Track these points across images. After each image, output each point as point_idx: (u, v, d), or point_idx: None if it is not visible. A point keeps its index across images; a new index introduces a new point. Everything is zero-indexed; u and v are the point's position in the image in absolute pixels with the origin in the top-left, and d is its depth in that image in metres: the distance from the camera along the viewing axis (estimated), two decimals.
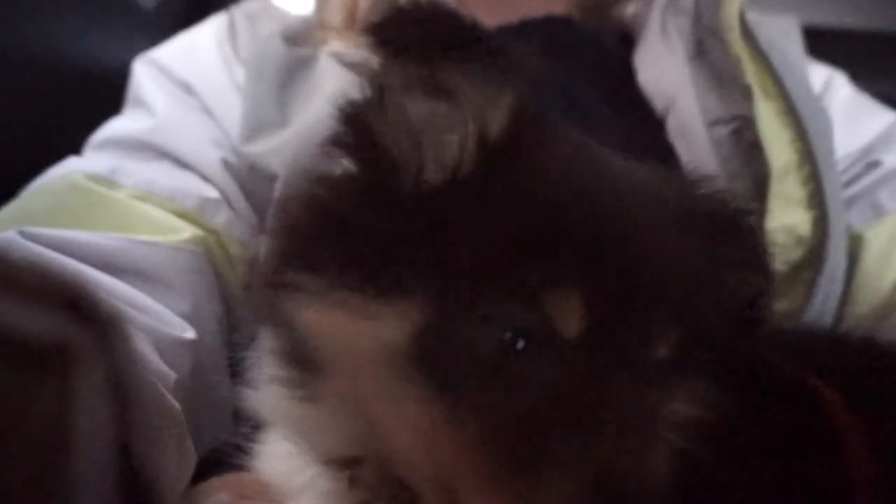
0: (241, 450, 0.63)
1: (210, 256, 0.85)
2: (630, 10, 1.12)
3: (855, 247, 1.00)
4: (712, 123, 0.94)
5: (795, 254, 0.91)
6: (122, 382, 0.37)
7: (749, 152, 0.92)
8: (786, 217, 0.92)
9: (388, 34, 0.51)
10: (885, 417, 0.57)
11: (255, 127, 0.92)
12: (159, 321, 0.73)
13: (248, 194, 0.92)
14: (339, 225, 0.52)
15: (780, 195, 0.91)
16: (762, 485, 0.53)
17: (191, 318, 0.77)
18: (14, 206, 0.82)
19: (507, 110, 0.52)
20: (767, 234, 0.91)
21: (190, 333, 0.75)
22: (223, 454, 0.66)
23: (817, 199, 0.92)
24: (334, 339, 0.51)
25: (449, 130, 0.52)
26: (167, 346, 0.71)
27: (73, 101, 1.13)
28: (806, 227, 0.91)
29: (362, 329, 0.49)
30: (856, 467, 0.53)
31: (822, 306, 0.93)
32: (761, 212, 0.92)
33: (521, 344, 0.48)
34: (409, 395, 0.49)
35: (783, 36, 1.07)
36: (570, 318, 0.48)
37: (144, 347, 0.66)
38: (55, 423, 0.35)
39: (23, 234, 0.71)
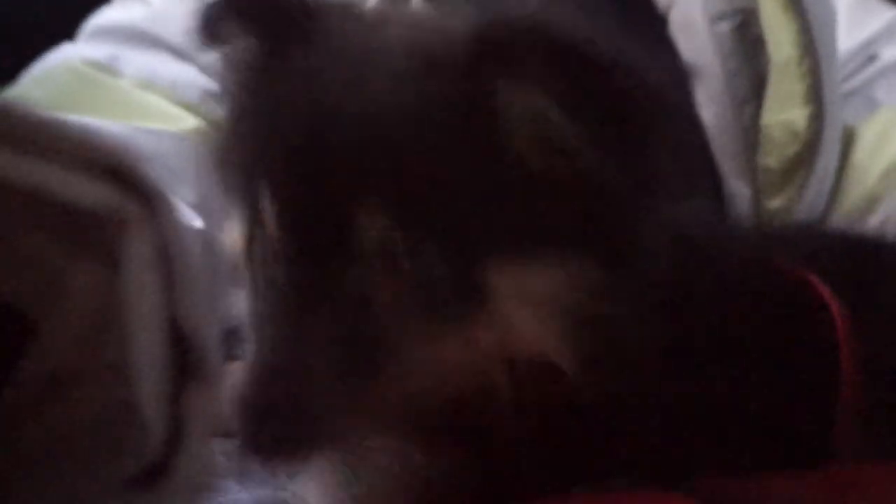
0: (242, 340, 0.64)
1: None
2: None
3: (847, 141, 1.01)
4: (715, 18, 0.93)
5: (791, 149, 0.93)
6: (169, 252, 0.37)
7: (751, 47, 0.92)
8: (782, 112, 0.92)
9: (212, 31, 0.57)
10: (875, 311, 0.58)
11: None
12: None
13: None
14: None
15: (778, 90, 0.92)
16: (748, 378, 0.53)
17: (197, 208, 0.78)
18: (14, 92, 0.81)
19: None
20: (763, 130, 0.92)
21: (198, 222, 0.76)
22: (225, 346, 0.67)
23: (815, 95, 0.92)
24: None
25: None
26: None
27: None
28: (802, 122, 0.92)
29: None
30: (845, 358, 0.55)
31: (812, 202, 0.95)
32: (758, 108, 0.92)
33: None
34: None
35: None
36: (269, 216, 0.48)
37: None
38: (103, 292, 0.36)
39: None
